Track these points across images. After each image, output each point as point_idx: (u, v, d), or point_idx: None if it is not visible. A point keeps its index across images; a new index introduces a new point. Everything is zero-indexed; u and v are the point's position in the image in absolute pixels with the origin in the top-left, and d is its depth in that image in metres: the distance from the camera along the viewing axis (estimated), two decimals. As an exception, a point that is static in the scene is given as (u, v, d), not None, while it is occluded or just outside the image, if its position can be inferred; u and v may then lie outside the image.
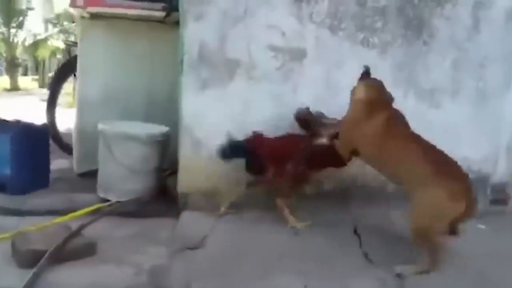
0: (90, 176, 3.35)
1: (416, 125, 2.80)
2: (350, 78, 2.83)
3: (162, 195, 3.08)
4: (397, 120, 2.27)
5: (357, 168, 2.75)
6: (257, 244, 2.39)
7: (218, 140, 2.74)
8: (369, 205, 2.77)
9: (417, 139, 2.22)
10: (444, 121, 2.87)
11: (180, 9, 2.88)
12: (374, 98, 2.32)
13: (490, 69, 2.91)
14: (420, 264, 2.09)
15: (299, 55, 2.80)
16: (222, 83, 2.76)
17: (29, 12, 18.77)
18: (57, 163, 3.78)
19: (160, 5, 3.42)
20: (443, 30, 2.86)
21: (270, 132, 2.73)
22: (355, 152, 2.34)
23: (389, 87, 2.85)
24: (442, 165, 2.10)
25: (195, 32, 2.74)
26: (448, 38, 2.88)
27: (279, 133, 2.74)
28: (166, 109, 3.38)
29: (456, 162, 2.15)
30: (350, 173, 2.81)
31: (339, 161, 2.50)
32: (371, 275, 2.11)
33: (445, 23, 2.86)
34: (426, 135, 2.73)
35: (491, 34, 2.89)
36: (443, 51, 2.89)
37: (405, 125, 2.28)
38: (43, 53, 20.12)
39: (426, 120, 2.78)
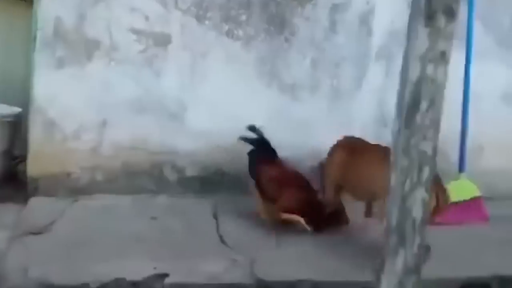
0: None
1: (278, 117, 2.97)
2: (215, 67, 2.90)
3: (10, 181, 2.84)
4: (354, 140, 2.51)
5: (220, 155, 2.82)
6: (110, 229, 2.33)
7: (74, 122, 2.60)
8: (231, 192, 2.82)
9: (378, 149, 2.33)
10: (302, 114, 3.01)
11: (35, -18, 2.71)
12: (338, 141, 2.58)
13: (344, 69, 3.12)
14: None
15: (163, 40, 2.78)
16: (79, 63, 2.64)
17: None
18: None
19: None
20: (303, 29, 3.01)
21: (132, 115, 2.70)
22: (339, 190, 2.45)
23: (254, 80, 2.98)
24: None
25: (51, 7, 2.59)
26: (307, 37, 3.03)
27: (141, 116, 2.71)
28: (23, 90, 3.13)
29: None
30: (214, 159, 2.86)
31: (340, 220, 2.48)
32: (224, 256, 2.17)
33: (305, 23, 3.01)
34: (286, 126, 2.89)
35: (346, 36, 3.11)
36: (303, 49, 3.03)
37: (363, 141, 2.49)
38: None
39: (287, 112, 2.94)
